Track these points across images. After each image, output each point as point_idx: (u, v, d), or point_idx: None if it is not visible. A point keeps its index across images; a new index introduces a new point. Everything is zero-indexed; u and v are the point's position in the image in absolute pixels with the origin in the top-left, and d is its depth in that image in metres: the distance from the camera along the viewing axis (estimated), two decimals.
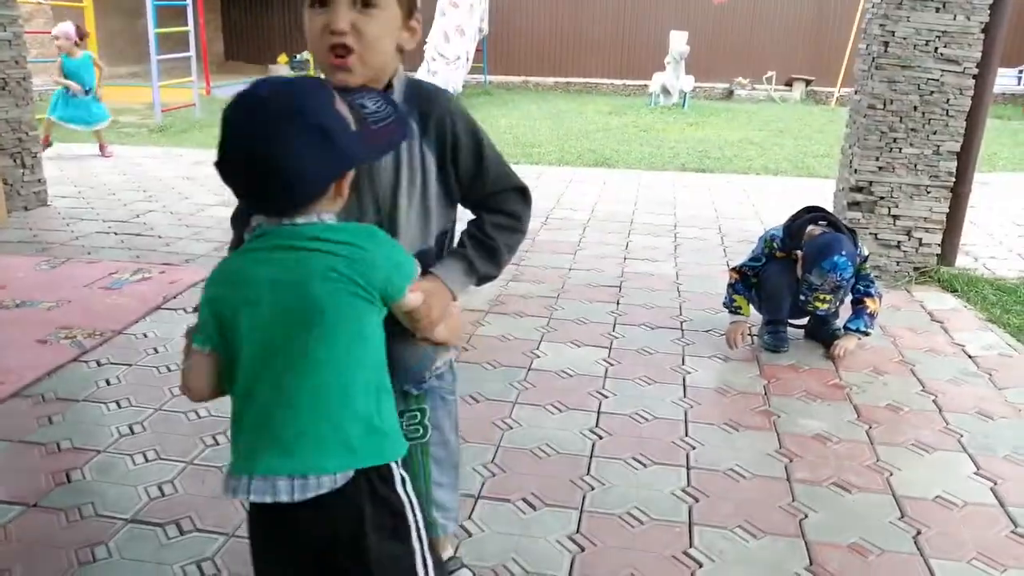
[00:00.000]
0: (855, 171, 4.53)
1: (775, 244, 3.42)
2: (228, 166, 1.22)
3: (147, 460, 2.54)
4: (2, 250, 4.74)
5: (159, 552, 2.12)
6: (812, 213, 3.45)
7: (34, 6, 11.71)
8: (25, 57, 5.63)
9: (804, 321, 3.65)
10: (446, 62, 12.26)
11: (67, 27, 7.58)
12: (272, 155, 1.17)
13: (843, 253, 3.20)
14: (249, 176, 1.22)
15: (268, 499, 1.22)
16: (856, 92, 4.73)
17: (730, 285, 3.53)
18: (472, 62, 13.08)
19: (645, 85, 14.05)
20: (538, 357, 3.39)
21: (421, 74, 12.12)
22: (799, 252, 3.33)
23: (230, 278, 1.28)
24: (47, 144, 7.44)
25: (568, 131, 10.09)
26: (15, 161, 5.56)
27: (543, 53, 16.06)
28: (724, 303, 3.56)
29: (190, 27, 10.38)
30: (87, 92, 7.52)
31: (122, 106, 11.18)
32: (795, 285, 3.37)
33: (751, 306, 3.53)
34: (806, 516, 2.34)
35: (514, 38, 15.81)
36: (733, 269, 3.57)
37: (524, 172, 6.24)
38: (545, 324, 3.75)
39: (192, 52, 10.44)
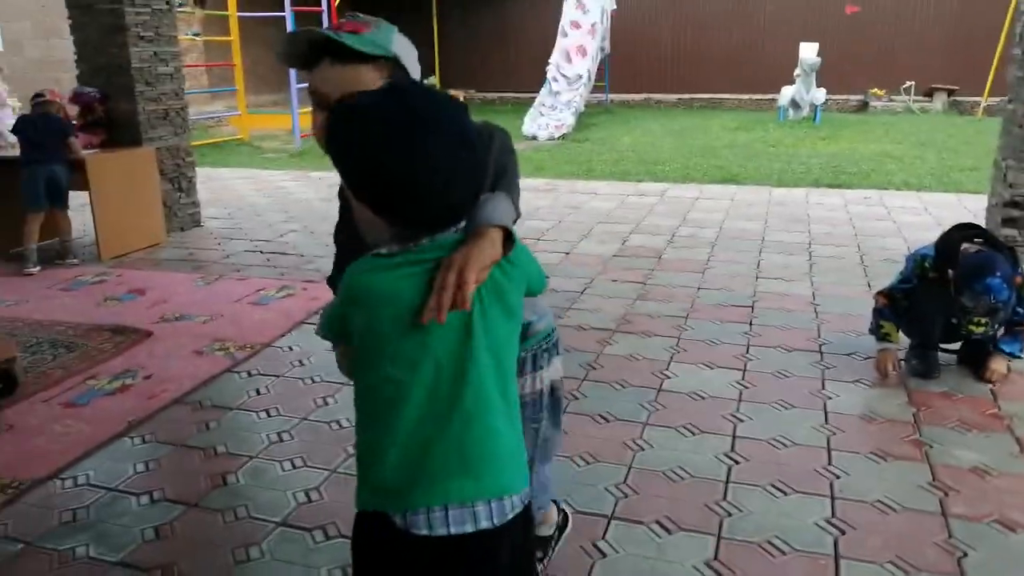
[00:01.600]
0: (1010, 185, 4.24)
1: (927, 264, 3.23)
2: (430, 178, 1.11)
3: (294, 467, 2.68)
4: (163, 268, 5.13)
5: (307, 555, 2.22)
6: (966, 230, 3.24)
7: (188, 41, 12.66)
8: (183, 89, 6.09)
9: (957, 345, 3.43)
10: (568, 82, 12.35)
11: None
12: (473, 158, 1.15)
13: (997, 274, 2.96)
14: (450, 189, 1.13)
15: (469, 528, 1.16)
16: (1010, 101, 4.43)
17: (877, 310, 3.35)
18: (594, 81, 13.12)
19: (772, 99, 13.67)
20: (668, 378, 3.34)
21: (542, 95, 12.25)
22: (952, 272, 3.14)
23: (386, 299, 1.16)
24: None
25: (692, 148, 9.94)
26: (173, 185, 6.02)
27: (665, 70, 15.91)
28: (870, 330, 3.39)
29: None
30: None
31: (265, 132, 11.90)
32: (948, 308, 3.17)
33: (899, 331, 3.35)
34: (965, 555, 2.19)
35: (636, 56, 15.75)
36: (880, 293, 3.38)
37: (648, 189, 6.16)
38: (675, 344, 3.70)
39: None
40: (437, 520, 1.15)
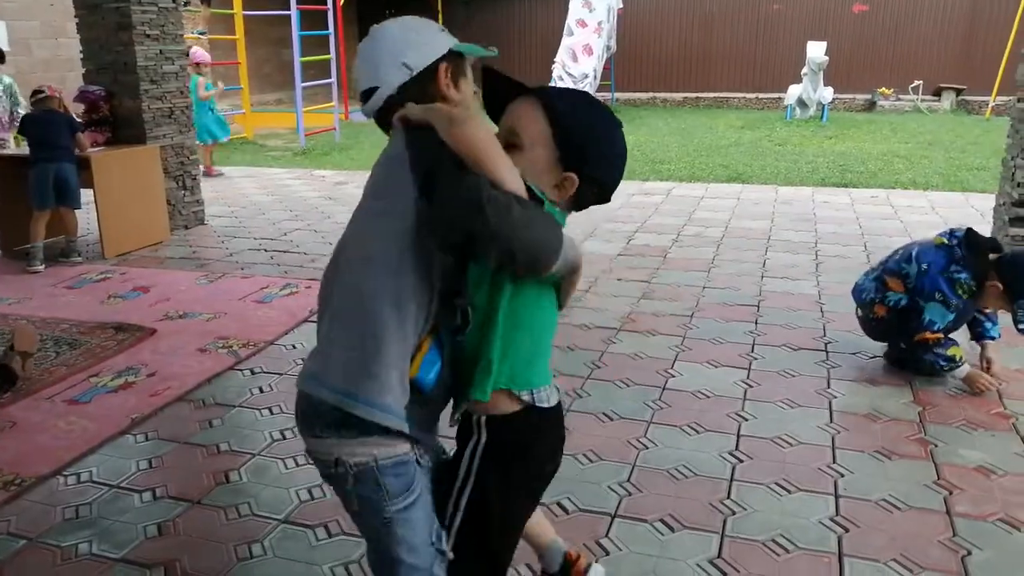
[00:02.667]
0: (1019, 184, 4.21)
1: (971, 289, 3.09)
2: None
3: (297, 465, 2.67)
4: (166, 265, 5.13)
5: (309, 552, 2.22)
6: (970, 238, 3.19)
7: (194, 40, 12.68)
8: (188, 87, 6.09)
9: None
10: (574, 81, 12.33)
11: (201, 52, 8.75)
12: None
13: None
14: None
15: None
16: (1019, 100, 4.40)
17: (933, 345, 3.15)
18: (600, 80, 13.10)
19: (779, 98, 13.63)
20: (673, 376, 3.33)
21: None
22: (995, 284, 3.06)
23: None
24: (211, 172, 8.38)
25: (699, 146, 9.91)
26: (178, 183, 6.02)
27: (671, 69, 15.88)
28: (940, 368, 3.17)
29: (332, 55, 10.93)
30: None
31: (269, 131, 11.91)
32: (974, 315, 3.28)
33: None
34: (969, 553, 2.18)
35: (642, 55, 15.73)
36: (929, 333, 3.14)
37: (654, 188, 6.14)
38: (679, 343, 3.68)
39: (333, 79, 10.99)
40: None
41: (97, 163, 5.18)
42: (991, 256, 3.10)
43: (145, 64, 5.64)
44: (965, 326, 3.37)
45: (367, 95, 1.49)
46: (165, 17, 5.76)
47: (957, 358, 3.14)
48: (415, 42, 1.47)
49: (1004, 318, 3.28)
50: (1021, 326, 3.08)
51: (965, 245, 3.15)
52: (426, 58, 1.46)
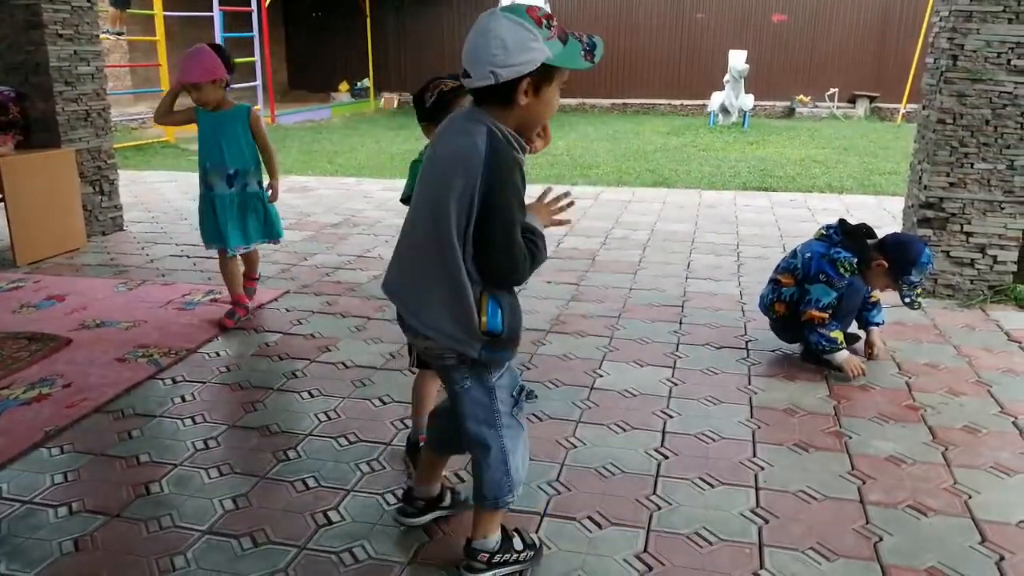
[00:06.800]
0: (925, 187, 4.42)
1: (852, 265, 3.33)
2: None
3: (221, 474, 2.62)
4: (82, 273, 4.95)
5: (234, 563, 2.17)
6: (843, 225, 3.48)
7: (111, 42, 12.28)
8: (105, 90, 5.90)
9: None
10: None
11: (204, 54, 3.71)
12: None
13: (926, 247, 3.33)
14: None
15: None
16: (924, 107, 4.63)
17: (823, 326, 3.34)
18: None
19: (703, 105, 13.99)
20: (601, 376, 3.38)
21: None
22: (881, 263, 3.34)
23: None
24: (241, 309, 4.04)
25: (626, 152, 10.09)
26: (94, 188, 5.82)
27: (599, 75, 16.12)
28: (821, 348, 3.34)
29: (256, 58, 10.73)
30: (233, 176, 3.95)
31: (191, 134, 11.60)
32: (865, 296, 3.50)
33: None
34: (880, 539, 2.28)
35: None
36: (816, 312, 3.35)
37: (583, 193, 6.20)
38: (607, 343, 3.74)
39: (259, 82, 10.79)
40: None
41: (7, 167, 4.96)
42: (869, 240, 3.41)
43: (59, 65, 5.43)
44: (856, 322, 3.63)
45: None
46: (80, 17, 5.57)
47: (839, 341, 3.36)
48: (514, 48, 1.76)
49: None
50: (907, 300, 3.36)
51: (841, 232, 3.45)
52: (514, 72, 1.75)
